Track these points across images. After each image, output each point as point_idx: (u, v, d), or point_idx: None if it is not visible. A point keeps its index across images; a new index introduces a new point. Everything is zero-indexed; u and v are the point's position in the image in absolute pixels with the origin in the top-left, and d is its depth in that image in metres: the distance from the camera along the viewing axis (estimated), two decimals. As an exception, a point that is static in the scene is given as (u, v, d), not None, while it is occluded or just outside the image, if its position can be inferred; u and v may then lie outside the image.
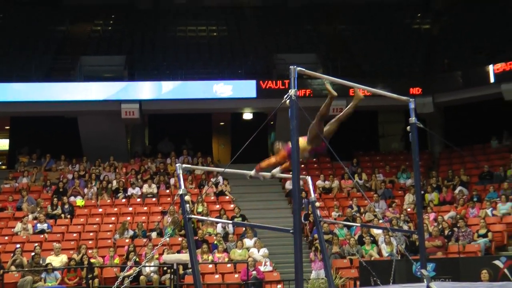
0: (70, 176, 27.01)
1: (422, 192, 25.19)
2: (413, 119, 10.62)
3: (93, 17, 35.05)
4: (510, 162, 26.64)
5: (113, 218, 24.53)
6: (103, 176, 26.95)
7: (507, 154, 27.90)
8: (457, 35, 32.93)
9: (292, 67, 8.33)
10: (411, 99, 10.85)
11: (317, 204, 12.78)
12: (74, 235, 23.33)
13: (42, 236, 23.03)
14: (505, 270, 19.26)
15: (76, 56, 30.30)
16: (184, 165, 10.18)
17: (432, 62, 31.24)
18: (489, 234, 21.86)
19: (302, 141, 9.54)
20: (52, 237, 22.98)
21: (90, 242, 22.64)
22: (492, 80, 27.19)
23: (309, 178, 12.45)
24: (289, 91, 8.18)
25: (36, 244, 21.76)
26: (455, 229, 22.29)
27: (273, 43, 33.07)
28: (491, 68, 27.23)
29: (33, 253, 20.85)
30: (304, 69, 8.58)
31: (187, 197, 8.97)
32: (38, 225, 23.49)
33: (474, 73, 28.19)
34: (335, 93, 9.72)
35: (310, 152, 10.00)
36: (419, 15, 36.62)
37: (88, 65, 29.75)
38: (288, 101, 8.18)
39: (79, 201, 25.55)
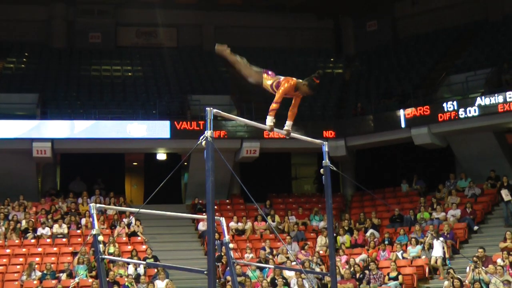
0: (-24, 216, 26.32)
1: (334, 234, 25.38)
2: (326, 161, 10.74)
3: (5, 54, 34.46)
4: (419, 206, 27.10)
5: (21, 259, 23.95)
6: (12, 215, 26.32)
7: (416, 197, 28.38)
8: (368, 80, 33.61)
9: (208, 108, 8.37)
10: (324, 142, 10.97)
11: (231, 245, 12.72)
12: (-21, 277, 22.71)
13: None
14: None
15: (-14, 93, 29.73)
16: (97, 205, 10.05)
17: (345, 106, 31.74)
18: (400, 277, 22.12)
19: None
20: (-46, 280, 22.32)
21: (-4, 284, 22.08)
22: (403, 125, 27.64)
23: (222, 219, 12.45)
24: (205, 132, 8.20)
25: None
26: (367, 271, 22.52)
27: (187, 84, 33.14)
28: (401, 113, 27.70)
29: None
30: (220, 111, 8.63)
31: (100, 237, 8.85)
32: None
33: (385, 117, 28.67)
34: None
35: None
36: (332, 59, 37.25)
37: (-1, 103, 29.22)
38: (204, 142, 8.20)
39: (-14, 242, 24.91)
